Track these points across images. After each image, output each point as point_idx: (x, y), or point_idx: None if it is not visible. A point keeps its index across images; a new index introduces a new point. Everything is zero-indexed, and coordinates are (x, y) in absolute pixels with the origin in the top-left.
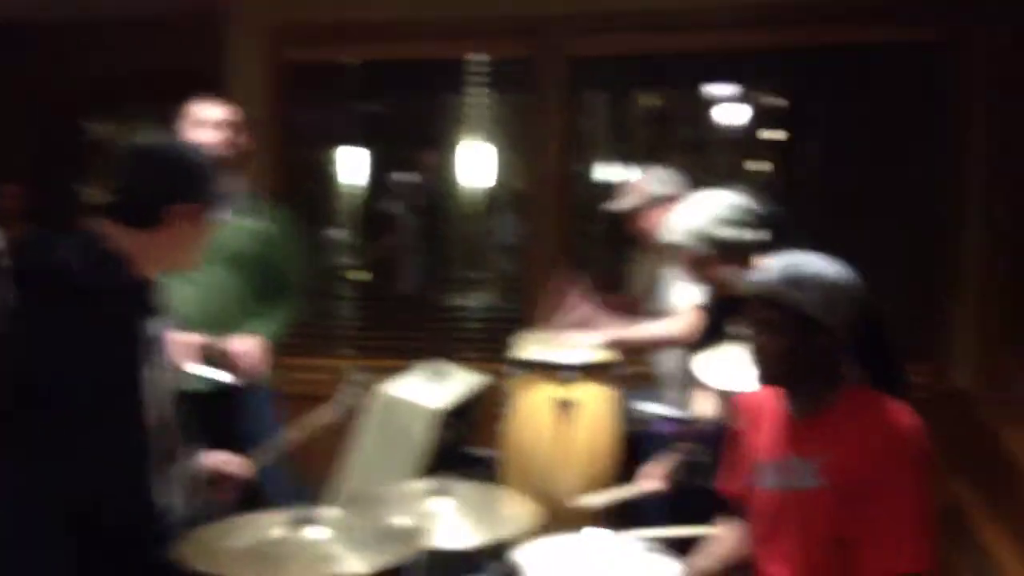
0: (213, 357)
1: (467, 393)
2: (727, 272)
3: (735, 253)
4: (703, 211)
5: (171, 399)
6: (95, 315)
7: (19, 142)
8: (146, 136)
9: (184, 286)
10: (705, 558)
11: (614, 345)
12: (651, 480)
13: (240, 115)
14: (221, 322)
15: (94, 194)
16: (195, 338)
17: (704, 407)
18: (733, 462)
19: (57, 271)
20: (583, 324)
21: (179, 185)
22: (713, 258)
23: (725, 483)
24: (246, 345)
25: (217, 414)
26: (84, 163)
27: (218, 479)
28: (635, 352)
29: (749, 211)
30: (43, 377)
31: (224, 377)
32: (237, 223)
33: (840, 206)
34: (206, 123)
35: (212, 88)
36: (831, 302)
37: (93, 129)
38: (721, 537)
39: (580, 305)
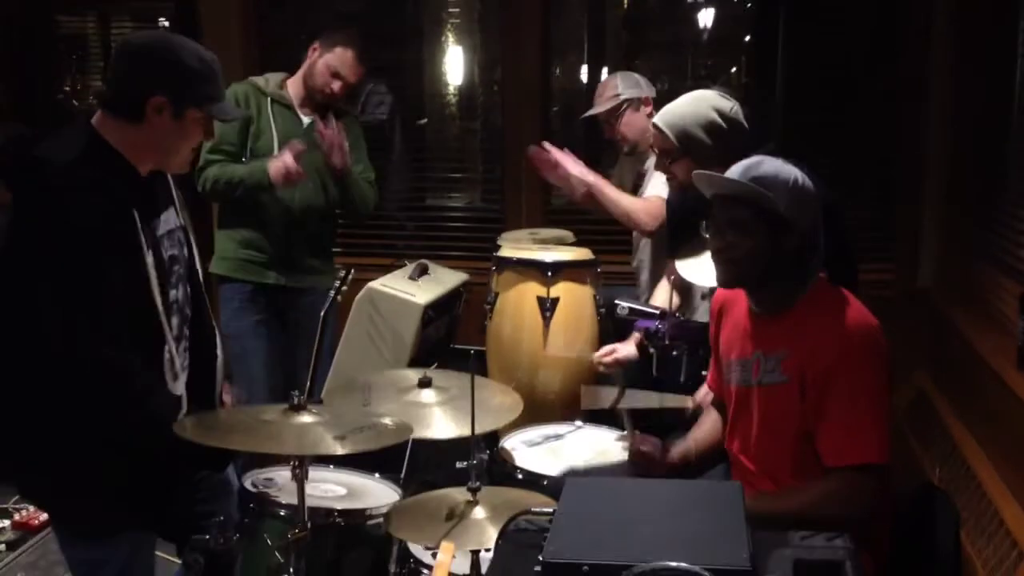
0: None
1: (450, 289)
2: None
3: (700, 156)
4: (689, 107)
5: (184, 286)
6: (81, 205)
7: None
8: (141, 32)
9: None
10: (687, 445)
11: (588, 186)
12: (604, 356)
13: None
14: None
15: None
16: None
17: (668, 299)
18: (713, 359)
19: (42, 164)
20: (565, 179)
21: (161, 80)
22: (679, 152)
23: (710, 379)
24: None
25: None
26: (59, 58)
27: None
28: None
29: (730, 120)
30: (16, 267)
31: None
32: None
33: (806, 109)
34: (346, 80)
35: None
36: (798, 202)
37: (67, 23)
38: (700, 426)
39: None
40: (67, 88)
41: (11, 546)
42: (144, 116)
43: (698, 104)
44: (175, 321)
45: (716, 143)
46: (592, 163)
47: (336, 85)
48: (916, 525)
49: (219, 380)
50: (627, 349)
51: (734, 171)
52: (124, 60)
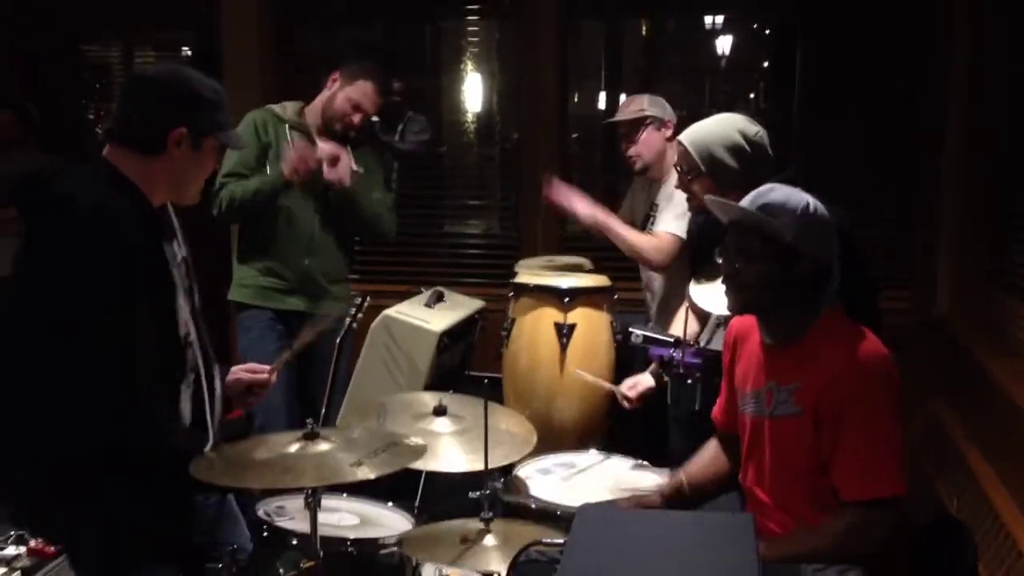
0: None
1: (466, 317)
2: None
3: (722, 177)
4: (716, 127)
5: (197, 317)
6: (99, 242)
7: (13, 67)
8: (151, 67)
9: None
10: (678, 479)
11: (596, 224)
12: (628, 389)
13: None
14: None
15: (100, 119)
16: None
17: (689, 329)
18: (723, 390)
19: (61, 200)
20: (574, 206)
21: (177, 111)
22: (700, 172)
23: (717, 410)
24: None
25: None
26: (83, 87)
27: (244, 391)
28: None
29: (755, 144)
30: (48, 304)
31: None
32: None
33: (822, 135)
34: (366, 112)
35: (205, 14)
36: (806, 229)
37: (92, 53)
38: (696, 460)
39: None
40: (91, 116)
41: (26, 573)
42: (165, 148)
43: (724, 126)
44: (189, 355)
45: (739, 166)
46: (608, 190)
47: (356, 117)
48: (933, 557)
49: (217, 413)
50: (648, 380)
51: (746, 199)
52: (142, 94)
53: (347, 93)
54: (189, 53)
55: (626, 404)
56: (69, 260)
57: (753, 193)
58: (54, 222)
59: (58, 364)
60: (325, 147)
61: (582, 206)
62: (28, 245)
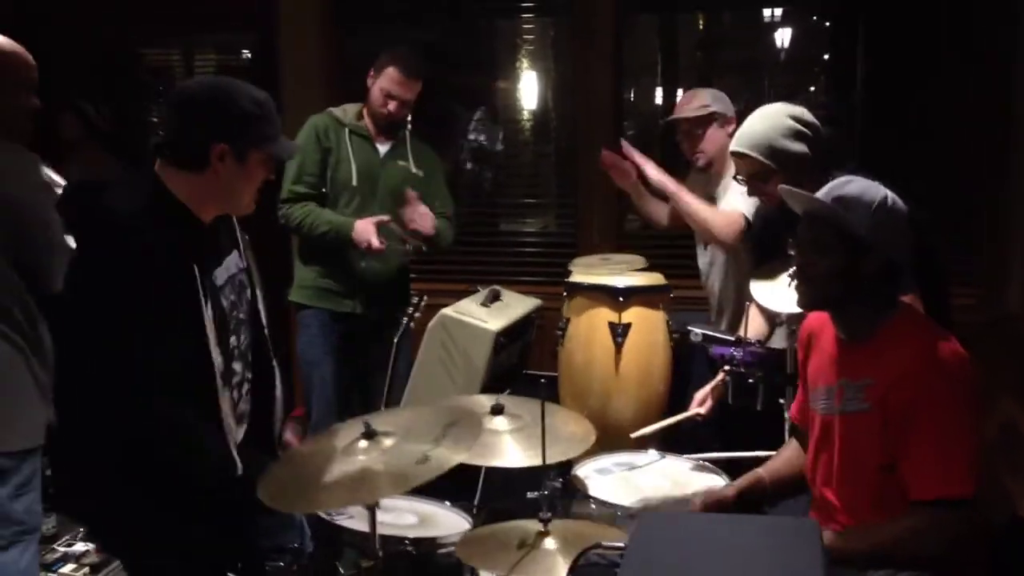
0: (388, 228)
1: (522, 316)
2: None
3: (794, 167)
4: (766, 122)
5: (257, 324)
6: (139, 260)
7: (77, 70)
8: (193, 81)
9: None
10: (756, 474)
11: (665, 188)
12: (699, 405)
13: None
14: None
15: (153, 131)
16: (373, 218)
17: (754, 329)
18: (800, 388)
19: (101, 215)
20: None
21: (217, 128)
22: (771, 170)
23: (795, 408)
24: (419, 207)
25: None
26: (145, 90)
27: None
28: (676, 220)
29: (810, 124)
30: (81, 316)
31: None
32: (394, 165)
33: (889, 129)
34: (399, 99)
35: (264, 16)
36: (879, 223)
37: (153, 56)
38: (777, 456)
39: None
40: (154, 119)
41: (95, 569)
42: (208, 164)
43: (772, 118)
44: (238, 366)
45: (805, 148)
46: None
47: (392, 105)
48: (1008, 561)
49: (278, 418)
50: (709, 387)
51: (822, 190)
52: (181, 111)
53: (378, 84)
54: (249, 55)
55: (699, 418)
56: (99, 276)
57: (830, 184)
58: (92, 236)
59: (93, 375)
60: (408, 210)
61: (654, 172)
62: (75, 257)
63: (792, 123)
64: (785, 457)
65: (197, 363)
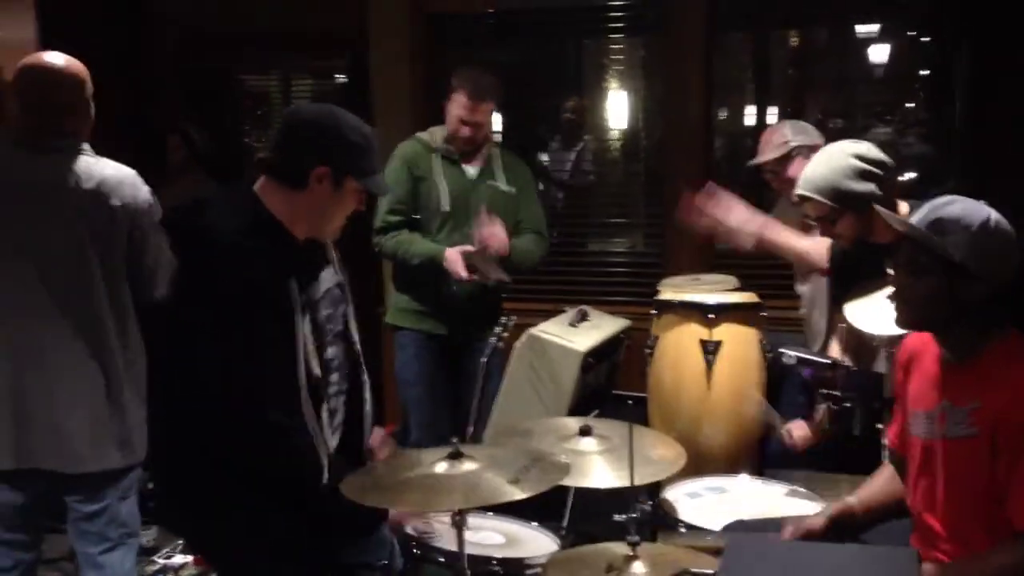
0: (473, 259)
1: (610, 336)
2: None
3: (862, 206)
4: (830, 163)
5: (350, 340)
6: (228, 277)
7: (178, 96)
8: (307, 104)
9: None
10: (846, 503)
11: (761, 238)
12: (801, 433)
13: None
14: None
15: (258, 150)
16: (461, 248)
17: (846, 354)
18: (898, 412)
19: (203, 232)
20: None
21: (321, 150)
22: (839, 211)
23: (892, 432)
24: (493, 227)
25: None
26: (244, 115)
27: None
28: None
29: (876, 161)
30: (187, 335)
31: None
32: (485, 186)
33: (988, 148)
34: (471, 123)
35: (357, 40)
36: (979, 248)
37: (252, 81)
38: (871, 482)
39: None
40: (256, 144)
41: None
42: (307, 184)
43: (835, 159)
44: (335, 377)
45: (874, 187)
46: (754, 206)
47: (465, 131)
48: None
49: (367, 430)
50: (805, 430)
51: (920, 211)
52: (292, 131)
53: (451, 110)
54: (344, 80)
55: (786, 441)
56: (201, 292)
57: (929, 205)
58: (195, 253)
59: (193, 391)
60: (483, 232)
61: (739, 216)
62: (177, 272)
63: (856, 163)
64: (879, 484)
65: (291, 374)
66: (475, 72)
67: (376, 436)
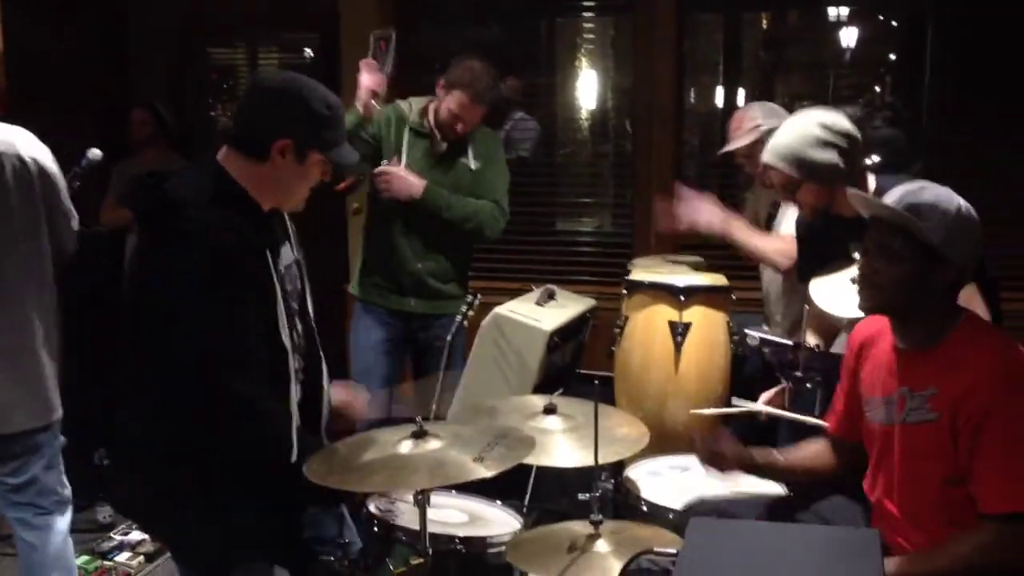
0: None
1: (577, 315)
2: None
3: (823, 177)
4: (794, 131)
5: (307, 320)
6: (199, 249)
7: (151, 68)
8: (272, 73)
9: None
10: (772, 454)
11: (725, 234)
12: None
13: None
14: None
15: (223, 121)
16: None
17: (811, 334)
18: (841, 396)
19: (168, 205)
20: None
21: (284, 123)
22: (800, 180)
23: (831, 414)
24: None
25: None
26: (210, 88)
27: (337, 414)
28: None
29: (842, 132)
30: (158, 308)
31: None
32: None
33: (953, 128)
34: (461, 120)
35: (326, 15)
36: (956, 234)
37: (218, 55)
38: (804, 447)
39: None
40: (223, 116)
41: (149, 558)
42: (269, 156)
43: (801, 127)
44: (295, 357)
45: (837, 158)
46: (725, 186)
47: (458, 127)
48: None
49: (325, 414)
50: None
51: (892, 194)
52: (255, 101)
53: (447, 104)
54: (311, 53)
55: (763, 418)
56: (171, 265)
57: (901, 190)
58: (161, 227)
59: (166, 365)
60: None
61: (706, 216)
62: (139, 247)
63: (820, 132)
64: (806, 452)
65: (274, 343)
66: (479, 71)
67: (340, 388)
